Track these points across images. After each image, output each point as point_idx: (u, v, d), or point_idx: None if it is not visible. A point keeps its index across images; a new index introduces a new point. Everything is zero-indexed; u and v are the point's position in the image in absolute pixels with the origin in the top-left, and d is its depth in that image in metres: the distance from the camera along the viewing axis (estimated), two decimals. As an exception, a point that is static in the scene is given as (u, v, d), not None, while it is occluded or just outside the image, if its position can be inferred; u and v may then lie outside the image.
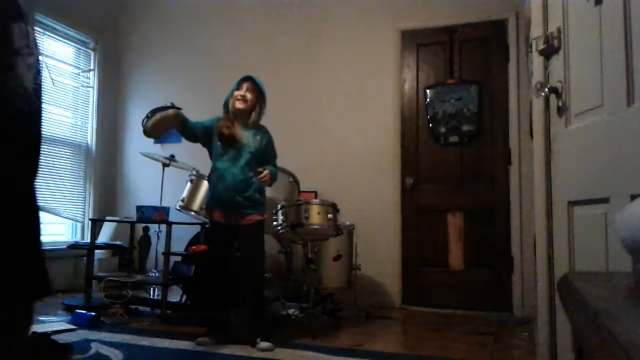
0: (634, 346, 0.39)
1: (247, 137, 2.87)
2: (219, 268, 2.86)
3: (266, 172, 2.83)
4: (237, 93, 2.86)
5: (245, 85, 2.87)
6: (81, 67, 5.13)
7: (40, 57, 1.67)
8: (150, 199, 4.40)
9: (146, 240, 4.19)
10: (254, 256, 2.84)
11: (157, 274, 3.92)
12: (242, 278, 2.87)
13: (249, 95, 2.86)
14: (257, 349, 2.69)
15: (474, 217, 4.11)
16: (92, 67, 5.20)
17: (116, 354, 2.54)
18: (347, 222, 3.81)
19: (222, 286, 2.86)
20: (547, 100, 1.77)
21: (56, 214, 4.77)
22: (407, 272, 4.24)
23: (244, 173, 2.81)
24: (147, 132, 2.73)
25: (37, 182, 1.67)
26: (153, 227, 4.09)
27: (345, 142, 4.46)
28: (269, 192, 3.07)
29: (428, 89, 4.31)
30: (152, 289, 4.06)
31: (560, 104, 1.67)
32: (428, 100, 4.30)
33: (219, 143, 2.86)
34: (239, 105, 2.85)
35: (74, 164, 4.97)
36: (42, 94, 1.41)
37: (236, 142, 2.82)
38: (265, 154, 2.94)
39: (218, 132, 2.85)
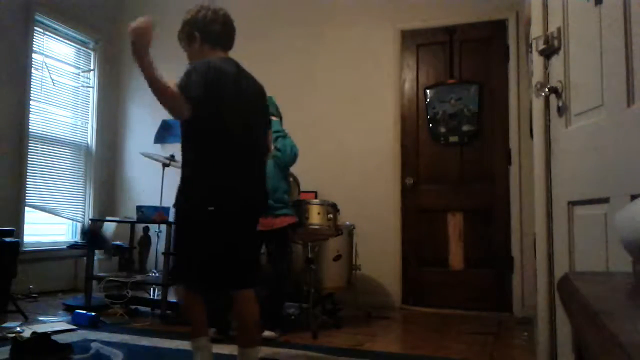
0: (634, 346, 0.39)
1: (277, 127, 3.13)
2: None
3: None
4: None
5: None
6: (81, 67, 5.13)
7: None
8: (150, 199, 4.40)
9: (146, 240, 4.18)
10: (285, 256, 3.09)
11: (157, 274, 3.92)
12: (270, 274, 3.07)
13: None
14: (262, 337, 2.81)
15: (474, 217, 4.11)
16: (92, 67, 5.20)
17: (116, 354, 2.54)
18: (347, 222, 3.81)
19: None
20: (547, 100, 1.77)
21: (56, 214, 4.77)
22: (407, 272, 4.24)
23: (273, 178, 3.02)
24: None
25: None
26: (153, 227, 4.09)
27: (345, 142, 4.46)
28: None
29: (428, 89, 4.31)
30: (152, 289, 4.06)
31: (560, 104, 1.67)
32: (428, 100, 4.30)
33: None
34: None
35: (74, 164, 4.97)
36: None
37: None
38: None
39: None
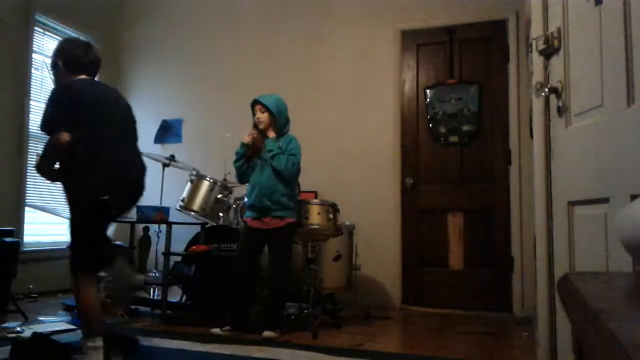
0: (634, 346, 0.39)
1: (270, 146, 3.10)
2: (247, 268, 3.07)
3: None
4: (255, 118, 3.15)
5: (257, 109, 3.16)
6: (81, 67, 5.12)
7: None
8: (150, 199, 4.39)
9: (146, 240, 4.18)
10: (285, 255, 3.07)
11: (157, 274, 3.92)
12: (270, 274, 3.09)
13: (262, 117, 3.13)
14: (262, 337, 2.88)
15: (474, 217, 4.11)
16: (92, 67, 5.19)
17: (116, 354, 2.53)
18: (347, 222, 3.81)
19: (247, 285, 3.10)
20: (547, 100, 1.77)
21: (56, 214, 4.77)
22: (407, 272, 4.24)
23: (269, 180, 3.04)
24: None
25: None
26: (153, 227, 4.09)
27: (345, 142, 4.46)
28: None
29: (428, 89, 4.31)
30: (152, 289, 4.06)
31: (560, 104, 1.67)
32: (428, 100, 4.30)
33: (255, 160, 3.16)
34: (259, 127, 3.15)
35: (74, 164, 4.96)
36: None
37: (260, 152, 3.13)
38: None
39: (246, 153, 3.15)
